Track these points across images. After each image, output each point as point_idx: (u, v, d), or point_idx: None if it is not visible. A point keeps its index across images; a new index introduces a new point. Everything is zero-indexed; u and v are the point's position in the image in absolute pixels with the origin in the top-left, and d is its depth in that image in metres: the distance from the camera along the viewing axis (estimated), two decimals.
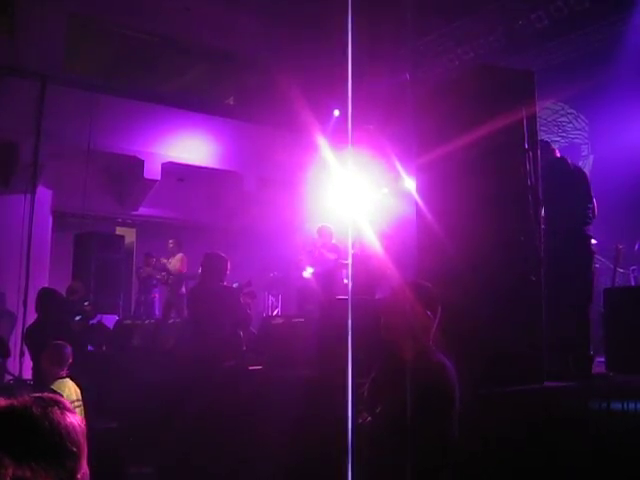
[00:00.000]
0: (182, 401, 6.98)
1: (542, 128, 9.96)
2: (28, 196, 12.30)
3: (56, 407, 1.52)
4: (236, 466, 5.89)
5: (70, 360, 5.47)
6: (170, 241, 12.05)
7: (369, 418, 3.15)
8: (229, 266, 6.27)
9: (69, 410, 1.55)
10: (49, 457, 1.45)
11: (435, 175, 4.94)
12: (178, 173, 13.80)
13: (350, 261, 8.22)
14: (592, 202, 5.64)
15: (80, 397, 5.48)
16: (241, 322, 6.11)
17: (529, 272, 4.47)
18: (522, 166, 4.56)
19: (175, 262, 11.75)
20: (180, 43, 14.16)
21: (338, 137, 11.61)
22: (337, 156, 10.71)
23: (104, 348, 10.44)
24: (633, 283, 8.36)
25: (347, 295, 7.36)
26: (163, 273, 11.81)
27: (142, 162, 13.03)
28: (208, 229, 14.42)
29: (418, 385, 2.90)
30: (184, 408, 6.92)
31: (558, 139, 11.01)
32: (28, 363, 8.21)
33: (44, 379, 5.41)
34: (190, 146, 13.31)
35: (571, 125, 10.99)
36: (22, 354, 9.74)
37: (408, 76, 12.63)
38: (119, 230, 14.55)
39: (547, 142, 5.76)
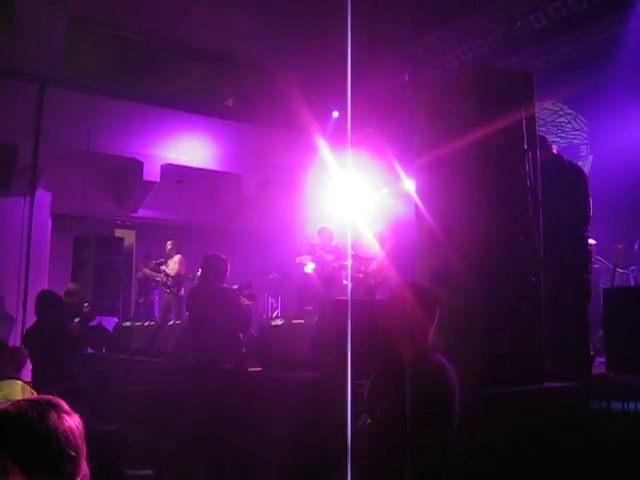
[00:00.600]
0: (181, 404, 6.98)
1: (541, 129, 9.93)
2: (27, 198, 12.30)
3: (53, 410, 1.50)
4: (236, 468, 5.89)
5: (24, 364, 5.61)
6: (168, 243, 12.03)
7: (369, 420, 3.15)
8: (229, 268, 6.26)
9: (66, 412, 1.53)
10: (48, 463, 1.43)
11: (434, 176, 4.94)
12: (177, 175, 13.80)
13: (350, 262, 8.24)
14: (589, 201, 5.60)
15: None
16: (241, 324, 6.09)
17: (528, 273, 4.47)
18: (521, 167, 4.56)
19: (173, 264, 11.74)
20: (179, 45, 14.16)
21: (337, 138, 11.61)
22: (336, 157, 10.71)
23: (104, 350, 10.44)
24: (633, 283, 8.35)
25: (347, 296, 7.36)
26: (161, 275, 11.80)
27: (141, 164, 13.03)
28: (207, 231, 14.42)
29: (417, 387, 2.89)
30: (183, 411, 6.91)
31: (557, 139, 11.00)
32: (27, 366, 8.19)
33: None
34: (189, 148, 13.31)
35: (570, 126, 10.99)
36: None
37: (407, 77, 12.64)
38: (118, 232, 14.53)
39: (544, 137, 5.72)
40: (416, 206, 5.13)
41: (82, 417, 1.59)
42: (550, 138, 10.59)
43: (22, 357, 5.68)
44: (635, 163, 8.98)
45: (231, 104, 15.88)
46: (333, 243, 8.99)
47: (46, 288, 9.40)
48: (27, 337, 7.63)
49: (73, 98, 12.07)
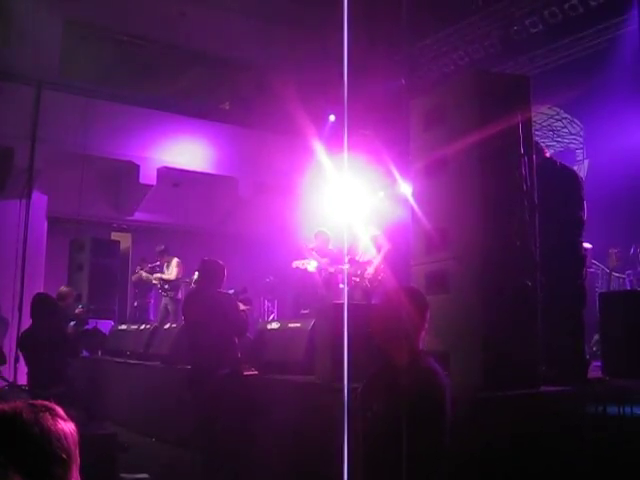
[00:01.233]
0: (177, 408, 6.97)
1: (537, 133, 9.97)
2: (23, 201, 12.30)
3: (47, 413, 1.52)
4: (232, 473, 5.88)
5: None
6: (157, 247, 11.94)
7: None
8: (225, 273, 6.25)
9: (61, 417, 1.54)
10: (38, 464, 1.44)
11: (431, 180, 4.94)
12: (173, 178, 13.80)
13: (346, 266, 8.23)
14: (583, 204, 5.58)
15: None
16: (237, 329, 6.08)
17: (525, 277, 4.47)
18: (517, 171, 4.56)
19: (172, 268, 11.71)
20: (175, 48, 14.16)
21: (334, 142, 11.61)
22: (333, 160, 10.71)
23: (99, 353, 10.43)
24: (629, 287, 8.36)
25: (343, 300, 7.36)
26: (158, 278, 11.74)
27: (137, 167, 13.03)
28: (203, 234, 14.42)
29: (408, 391, 2.91)
30: (179, 415, 6.90)
31: (553, 144, 11.02)
32: (23, 369, 8.17)
33: None
34: (186, 151, 13.32)
35: (566, 130, 11.01)
36: (17, 360, 9.69)
37: (404, 81, 12.65)
38: (114, 235, 14.53)
39: (536, 141, 5.72)
40: (412, 210, 5.13)
41: (77, 420, 1.60)
42: (546, 142, 10.68)
43: None
44: (631, 167, 9.01)
45: (227, 107, 15.89)
46: (330, 247, 8.98)
47: (42, 291, 9.39)
48: (23, 340, 7.62)
49: (69, 101, 12.07)
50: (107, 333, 10.70)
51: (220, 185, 14.15)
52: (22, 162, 12.00)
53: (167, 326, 8.87)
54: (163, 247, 11.89)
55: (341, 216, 9.10)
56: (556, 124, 11.11)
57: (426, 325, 3.21)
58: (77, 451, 1.54)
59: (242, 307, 6.31)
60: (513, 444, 3.92)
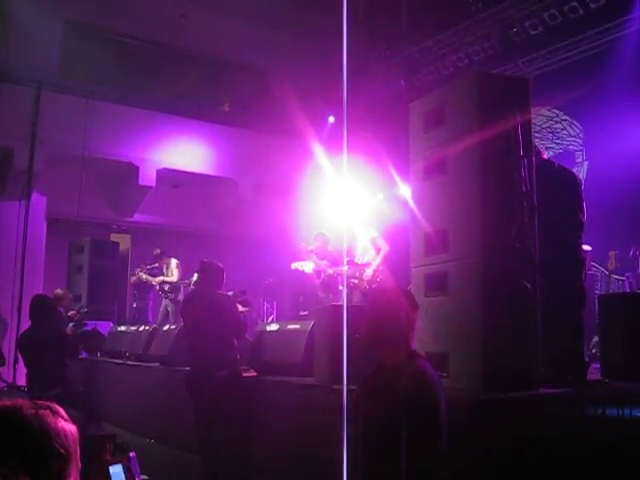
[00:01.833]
0: (176, 409, 6.96)
1: (536, 135, 9.99)
2: (23, 202, 12.29)
3: (49, 411, 1.55)
4: (231, 474, 5.88)
5: None
6: (154, 251, 11.92)
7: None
8: (225, 274, 6.25)
9: (63, 417, 1.56)
10: (36, 456, 1.46)
11: (430, 181, 4.94)
12: (173, 179, 13.80)
13: (346, 268, 8.22)
14: (582, 206, 5.57)
15: None
16: (236, 331, 6.07)
17: (524, 279, 4.47)
18: (517, 173, 4.56)
19: (173, 270, 11.69)
20: (175, 49, 14.16)
21: (333, 143, 11.61)
22: (332, 162, 10.71)
23: (98, 355, 10.42)
24: (628, 290, 8.36)
25: (342, 302, 7.36)
26: (160, 280, 11.72)
27: (137, 168, 13.02)
28: (203, 235, 14.43)
29: (400, 393, 2.90)
30: (179, 417, 6.90)
31: (553, 146, 11.03)
32: (22, 370, 8.17)
33: None
34: (185, 152, 13.31)
35: (565, 132, 11.01)
36: (16, 361, 9.70)
37: (403, 82, 12.66)
38: (114, 237, 14.52)
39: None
40: (412, 211, 5.13)
41: (76, 421, 1.61)
42: (546, 144, 10.69)
43: None
44: (631, 169, 9.01)
45: (227, 109, 15.89)
46: (329, 249, 8.98)
47: (41, 292, 9.39)
48: (22, 341, 7.62)
49: (69, 102, 12.07)
50: (106, 334, 10.69)
51: (219, 186, 14.15)
52: (22, 163, 11.99)
53: (166, 327, 8.85)
54: (159, 250, 11.88)
55: (340, 218, 9.10)
56: (556, 126, 11.12)
57: (417, 325, 3.20)
58: (78, 453, 1.56)
59: (241, 309, 6.31)
60: (512, 446, 3.92)
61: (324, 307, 6.22)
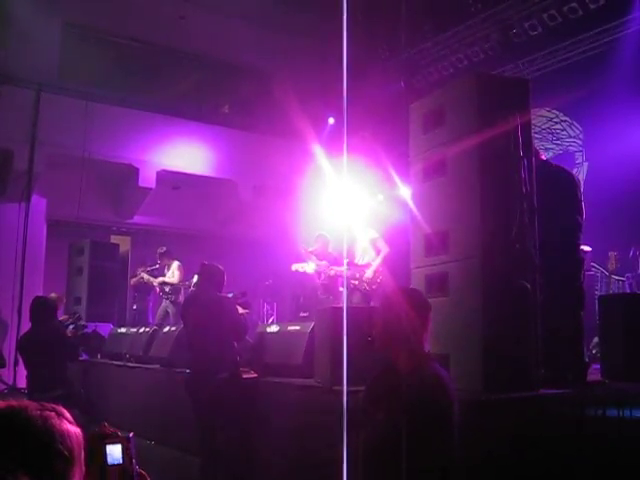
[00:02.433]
0: (176, 411, 6.96)
1: (536, 136, 10.00)
2: (23, 204, 12.30)
3: (54, 413, 1.55)
4: (231, 476, 5.87)
5: None
6: (159, 249, 11.88)
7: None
8: (225, 276, 6.24)
9: (68, 420, 1.57)
10: (40, 457, 1.46)
11: (430, 182, 4.94)
12: (173, 181, 13.80)
13: (345, 269, 8.22)
14: (581, 207, 5.56)
15: None
16: (236, 332, 6.07)
17: (524, 279, 4.47)
18: (517, 173, 4.56)
19: (174, 272, 11.66)
20: (175, 51, 14.18)
21: (333, 144, 11.62)
22: (332, 163, 10.72)
23: (99, 356, 10.41)
24: (628, 290, 8.36)
25: (342, 303, 7.35)
26: (161, 281, 11.68)
27: (137, 170, 13.03)
28: (203, 237, 14.42)
29: (414, 399, 2.83)
30: (178, 418, 6.89)
31: (552, 147, 11.04)
32: (22, 372, 8.17)
33: None
34: (185, 154, 13.32)
35: (565, 133, 11.02)
36: (16, 363, 9.70)
37: (403, 84, 12.67)
38: (114, 238, 14.51)
39: None
40: (412, 212, 5.13)
41: (77, 423, 1.62)
42: (545, 145, 10.70)
43: None
44: (631, 170, 9.01)
45: (227, 110, 15.90)
46: (330, 250, 8.97)
47: (41, 294, 9.39)
48: (22, 343, 7.62)
49: (69, 104, 12.08)
50: (106, 336, 10.68)
51: (219, 188, 14.15)
52: (21, 165, 12.00)
53: (166, 329, 8.84)
54: (165, 249, 11.84)
55: (340, 219, 9.10)
56: (555, 127, 11.12)
57: (429, 327, 3.13)
58: (82, 456, 1.56)
59: (241, 310, 6.31)
60: (513, 447, 3.92)
61: (324, 308, 6.21)
